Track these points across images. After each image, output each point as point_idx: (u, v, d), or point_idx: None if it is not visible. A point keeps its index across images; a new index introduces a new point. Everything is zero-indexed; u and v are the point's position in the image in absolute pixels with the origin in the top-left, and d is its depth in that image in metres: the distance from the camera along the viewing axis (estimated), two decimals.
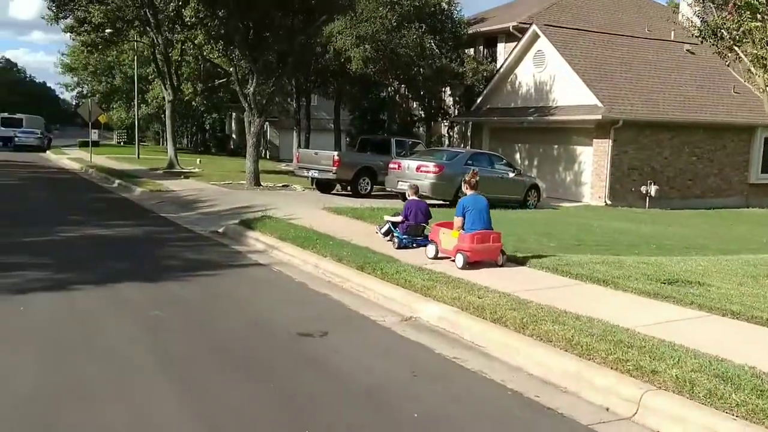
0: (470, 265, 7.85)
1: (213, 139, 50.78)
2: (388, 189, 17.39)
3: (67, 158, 32.26)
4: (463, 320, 5.93)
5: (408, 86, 27.56)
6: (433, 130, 29.46)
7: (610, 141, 20.20)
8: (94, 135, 56.46)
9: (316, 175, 18.53)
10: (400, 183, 16.44)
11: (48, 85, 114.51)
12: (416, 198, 9.87)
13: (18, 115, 46.74)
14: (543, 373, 4.84)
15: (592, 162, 20.94)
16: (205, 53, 20.74)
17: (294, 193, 18.54)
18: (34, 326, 5.54)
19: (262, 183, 19.74)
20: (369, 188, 18.58)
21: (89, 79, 45.04)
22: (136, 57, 29.46)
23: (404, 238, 9.30)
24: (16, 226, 11.00)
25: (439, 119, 28.84)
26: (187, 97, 33.77)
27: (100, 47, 25.97)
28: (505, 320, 5.63)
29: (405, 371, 4.83)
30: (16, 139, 40.95)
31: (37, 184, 19.38)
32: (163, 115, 46.89)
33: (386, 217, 10.09)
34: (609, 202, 20.42)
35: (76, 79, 48.87)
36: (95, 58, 37.62)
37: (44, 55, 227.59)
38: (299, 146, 37.45)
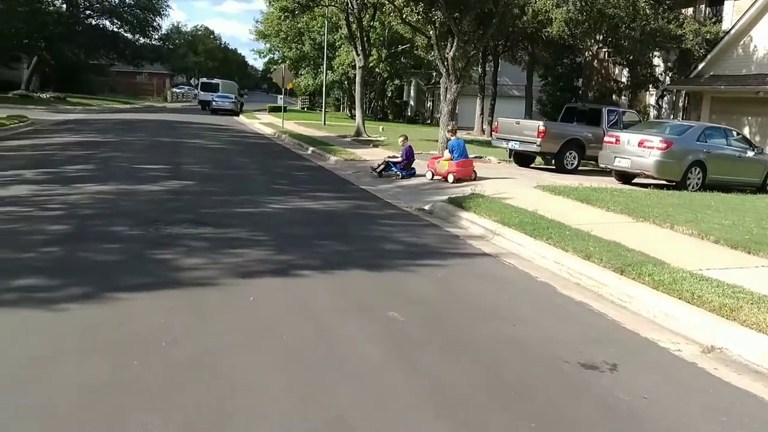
0: (456, 180, 12.81)
1: (391, 105, 50.72)
2: (601, 165, 15.52)
3: (259, 123, 33.49)
4: None
5: (613, 50, 24.86)
6: (637, 99, 26.55)
7: None
8: (280, 100, 59.11)
9: (516, 146, 17.07)
10: (617, 159, 14.56)
11: (238, 51, 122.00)
12: (408, 144, 14.27)
13: (215, 80, 49.86)
14: None
15: None
16: (404, 15, 19.77)
17: (491, 166, 17.23)
18: (268, 326, 4.82)
19: None
20: (576, 163, 16.81)
21: (280, 45, 46.61)
22: (326, 22, 29.42)
23: (404, 172, 13.86)
24: (229, 193, 10.84)
25: (647, 87, 25.82)
26: (371, 63, 33.49)
27: (296, 12, 26.15)
28: None
29: None
30: (213, 103, 43.44)
31: (238, 148, 19.83)
32: (345, 82, 47.60)
33: (387, 158, 14.59)
34: None
35: (268, 45, 50.94)
36: (287, 25, 38.56)
37: (236, 24, 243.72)
38: (482, 114, 36.02)
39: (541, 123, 16.88)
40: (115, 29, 50.61)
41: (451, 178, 12.99)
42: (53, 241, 6.80)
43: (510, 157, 18.15)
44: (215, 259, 6.46)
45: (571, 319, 5.51)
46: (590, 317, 5.56)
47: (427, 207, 10.62)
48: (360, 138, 24.69)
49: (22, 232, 7.07)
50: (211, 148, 19.02)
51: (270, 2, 27.07)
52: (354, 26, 25.46)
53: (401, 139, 14.59)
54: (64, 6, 47.90)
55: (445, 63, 17.87)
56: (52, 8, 43.28)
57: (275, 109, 46.62)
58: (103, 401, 3.48)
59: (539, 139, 16.21)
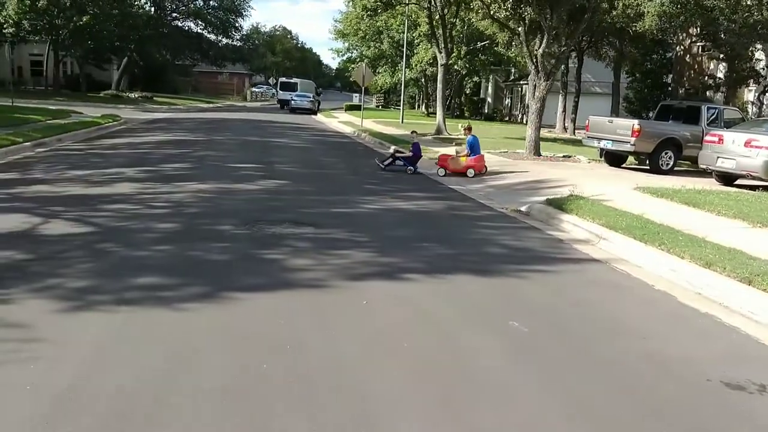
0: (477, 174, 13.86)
1: (468, 102, 50.22)
2: (701, 166, 14.76)
3: (338, 121, 33.75)
4: None
5: (710, 44, 23.66)
6: (734, 96, 25.19)
7: None
8: (355, 99, 59.56)
9: (608, 146, 16.46)
10: (720, 159, 13.82)
11: (313, 50, 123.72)
12: (417, 140, 15.03)
13: (294, 80, 50.67)
14: None
15: None
16: (492, 11, 19.43)
17: (582, 166, 16.71)
18: (386, 331, 4.74)
19: (541, 152, 18.20)
20: (671, 164, 16.06)
21: (358, 44, 46.96)
22: (406, 20, 29.34)
23: (411, 167, 14.13)
24: (323, 193, 10.89)
25: (747, 83, 24.45)
26: (450, 61, 33.17)
27: (378, 11, 26.20)
28: None
29: None
30: (292, 102, 44.14)
31: (322, 147, 20.00)
32: (422, 80, 47.47)
33: (394, 149, 15.07)
34: None
35: (346, 44, 51.46)
36: (366, 24, 38.76)
37: (312, 23, 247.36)
38: (564, 111, 35.10)
39: (636, 121, 16.23)
40: (199, 30, 52.31)
41: (471, 172, 13.85)
42: (165, 239, 6.97)
43: (601, 157, 17.53)
44: (322, 261, 6.45)
45: (701, 333, 5.18)
46: (722, 331, 5.21)
47: (523, 208, 10.34)
48: (441, 136, 24.48)
49: (135, 230, 7.28)
50: (297, 147, 19.27)
51: (351, 1, 27.18)
52: (437, 23, 25.27)
53: (462, 128, 15.26)
54: (152, 9, 49.87)
55: (534, 60, 17.44)
56: (141, 11, 45.03)
57: (352, 108, 46.99)
58: (241, 404, 3.47)
59: (633, 139, 15.57)
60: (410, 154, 14.42)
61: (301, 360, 4.08)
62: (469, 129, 14.78)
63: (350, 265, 6.38)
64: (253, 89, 67.24)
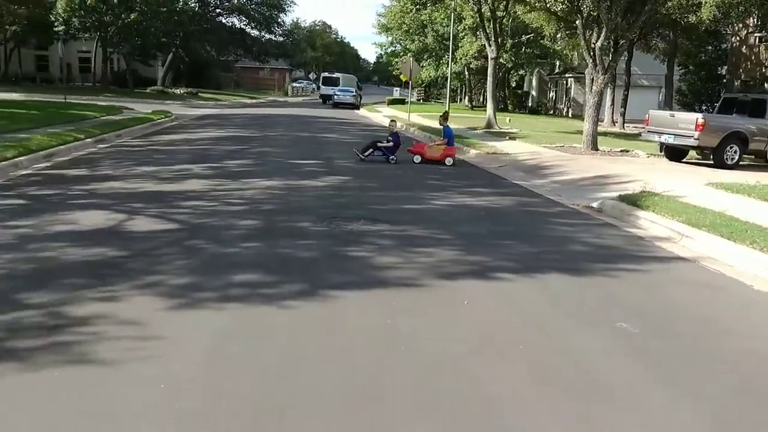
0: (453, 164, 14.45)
1: (512, 96, 49.71)
2: None
3: (383, 116, 33.63)
4: None
5: None
6: None
7: None
8: (396, 93, 59.45)
9: (670, 140, 16.06)
10: None
11: (351, 45, 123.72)
12: (396, 130, 15.19)
13: (336, 75, 50.81)
14: None
15: None
16: (548, 4, 19.13)
17: (641, 161, 16.35)
18: (494, 332, 4.66)
19: (598, 147, 17.87)
20: (737, 158, 15.59)
21: (402, 38, 46.83)
22: (452, 14, 29.12)
23: (393, 156, 14.29)
24: (387, 189, 10.86)
25: None
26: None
27: (426, 4, 26.03)
28: None
29: None
30: (335, 96, 44.27)
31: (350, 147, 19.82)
32: (464, 73, 47.12)
33: (375, 141, 14.92)
34: None
35: (389, 38, 51.40)
36: (410, 17, 38.61)
37: (350, 17, 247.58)
38: (612, 105, 34.45)
39: (699, 115, 15.77)
40: (242, 26, 52.83)
41: (449, 161, 14.44)
42: (250, 236, 7.00)
43: (661, 152, 17.12)
44: (408, 258, 6.41)
45: None
46: None
47: (595, 204, 10.14)
48: (492, 130, 24.24)
49: (219, 227, 7.34)
50: (348, 142, 19.23)
51: None
52: (487, 17, 25.00)
53: (392, 123, 15.98)
54: (196, 5, 50.46)
55: (592, 53, 17.11)
56: (186, 7, 45.64)
57: (395, 102, 46.95)
58: (366, 406, 3.44)
59: (697, 133, 15.15)
60: (391, 144, 14.59)
61: (419, 361, 4.03)
62: (445, 118, 15.22)
63: (438, 263, 6.31)
64: (294, 84, 67.68)
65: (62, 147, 14.24)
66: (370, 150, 14.47)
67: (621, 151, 18.14)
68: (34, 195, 8.95)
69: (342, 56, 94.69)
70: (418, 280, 5.74)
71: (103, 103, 29.00)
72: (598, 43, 16.87)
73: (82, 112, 23.74)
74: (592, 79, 17.36)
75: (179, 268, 5.72)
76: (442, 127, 15.13)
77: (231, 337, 4.30)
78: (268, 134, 20.31)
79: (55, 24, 38.71)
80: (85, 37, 42.50)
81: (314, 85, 76.38)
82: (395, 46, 48.21)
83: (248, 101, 47.36)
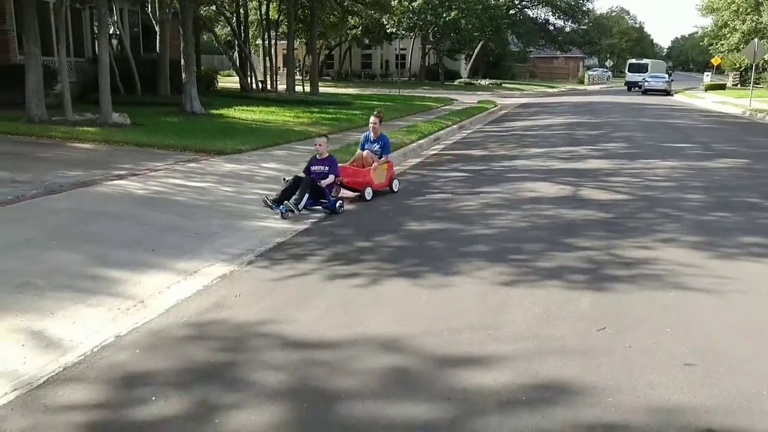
0: None
1: None
2: None
3: (712, 102, 31.28)
4: None
5: None
6: None
7: None
8: (706, 77, 54.64)
9: None
10: None
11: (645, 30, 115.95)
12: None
13: (644, 61, 48.68)
14: None
15: None
16: None
17: None
18: None
19: None
20: None
21: (730, 18, 43.05)
22: None
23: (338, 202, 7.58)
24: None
25: None
26: None
27: None
28: None
29: None
30: (645, 83, 42.40)
31: (729, 128, 18.83)
32: None
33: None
34: None
35: (712, 19, 47.68)
36: None
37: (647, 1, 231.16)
38: None
39: None
40: (546, 16, 53.34)
41: (396, 184, 8.79)
42: (710, 207, 7.53)
43: None
44: None
45: None
46: None
47: None
48: None
49: (668, 199, 7.96)
50: (702, 128, 18.52)
51: None
52: None
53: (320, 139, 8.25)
54: None
55: None
56: (499, 2, 47.50)
57: (713, 87, 43.48)
58: None
59: None
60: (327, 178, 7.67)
61: None
62: (380, 119, 8.92)
63: None
64: (590, 72, 66.01)
65: (441, 132, 16.28)
66: (301, 198, 7.21)
67: None
68: (468, 170, 10.49)
69: (638, 42, 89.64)
70: None
71: (432, 95, 31.83)
72: None
73: (424, 103, 26.48)
74: None
75: (676, 229, 6.45)
76: (374, 132, 8.82)
77: None
78: (609, 120, 20.43)
79: (387, 26, 43.16)
80: (410, 36, 46.58)
81: (609, 73, 73.74)
82: (723, 29, 44.11)
83: (549, 90, 47.64)
